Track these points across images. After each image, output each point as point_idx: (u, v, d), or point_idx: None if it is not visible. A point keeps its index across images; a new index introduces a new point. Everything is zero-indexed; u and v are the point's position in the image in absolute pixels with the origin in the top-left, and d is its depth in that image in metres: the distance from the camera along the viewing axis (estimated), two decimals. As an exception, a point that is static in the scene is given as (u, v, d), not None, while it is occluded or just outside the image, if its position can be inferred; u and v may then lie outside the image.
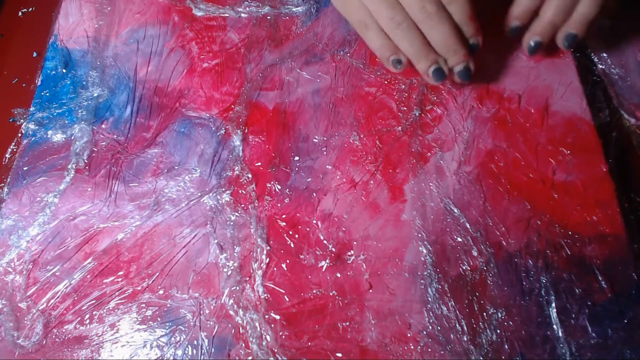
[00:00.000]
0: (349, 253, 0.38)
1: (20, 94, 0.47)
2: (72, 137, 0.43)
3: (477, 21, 0.40)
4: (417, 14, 0.39)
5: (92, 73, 0.46)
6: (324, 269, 0.37)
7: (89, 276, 0.38)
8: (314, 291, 0.37)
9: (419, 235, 0.38)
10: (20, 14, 0.52)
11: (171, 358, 0.35)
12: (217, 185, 0.41)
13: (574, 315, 0.35)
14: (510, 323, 0.35)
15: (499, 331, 0.35)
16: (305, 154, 0.42)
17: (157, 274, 0.38)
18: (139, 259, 0.38)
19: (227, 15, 0.49)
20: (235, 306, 0.36)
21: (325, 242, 0.38)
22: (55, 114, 0.44)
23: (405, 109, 0.43)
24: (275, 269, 0.37)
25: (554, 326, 0.35)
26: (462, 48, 0.40)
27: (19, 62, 0.49)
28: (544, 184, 0.40)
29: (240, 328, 0.36)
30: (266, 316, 0.36)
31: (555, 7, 0.40)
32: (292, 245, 0.38)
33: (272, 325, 0.36)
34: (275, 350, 0.35)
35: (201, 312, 0.36)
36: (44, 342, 0.36)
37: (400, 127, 0.43)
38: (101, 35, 0.48)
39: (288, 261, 0.38)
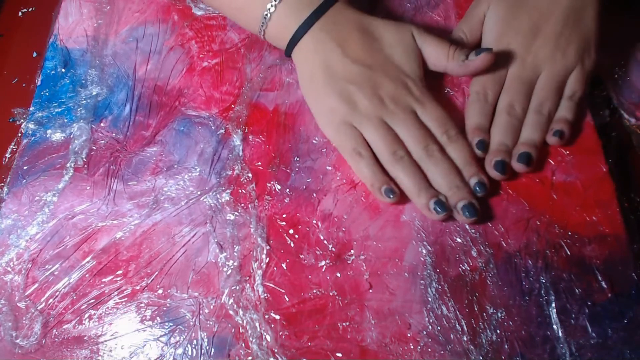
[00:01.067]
0: (349, 253, 0.38)
1: (20, 94, 0.46)
2: (71, 136, 0.43)
3: (478, 162, 0.39)
4: (419, 151, 0.39)
5: (91, 72, 0.46)
6: (324, 269, 0.37)
7: (87, 275, 0.38)
8: (314, 291, 0.36)
9: (419, 235, 0.38)
10: (20, 14, 0.52)
11: (171, 358, 0.35)
12: (217, 185, 0.41)
13: (573, 315, 0.35)
14: (510, 323, 0.35)
15: (498, 331, 0.35)
16: (306, 155, 0.42)
17: (157, 273, 0.38)
18: (138, 258, 0.38)
19: (227, 15, 0.49)
20: (235, 306, 0.36)
21: (325, 242, 0.38)
22: (54, 113, 0.44)
23: (405, 109, 0.43)
24: (275, 268, 0.37)
25: (554, 326, 0.35)
26: (466, 185, 0.38)
27: (19, 62, 0.49)
28: (544, 184, 0.40)
29: (240, 328, 0.35)
30: (266, 316, 0.36)
31: (501, 129, 0.40)
32: (292, 245, 0.38)
33: (272, 325, 0.35)
34: (275, 350, 0.35)
35: (201, 311, 0.36)
36: (43, 342, 0.36)
37: (400, 127, 0.42)
38: (100, 34, 0.48)
39: (288, 261, 0.38)
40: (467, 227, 0.38)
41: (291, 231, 0.39)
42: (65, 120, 0.44)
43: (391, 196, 0.38)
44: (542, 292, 0.36)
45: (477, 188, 0.38)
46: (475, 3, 0.45)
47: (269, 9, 0.41)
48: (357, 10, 0.43)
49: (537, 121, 0.40)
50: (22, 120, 0.44)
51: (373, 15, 0.43)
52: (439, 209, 0.37)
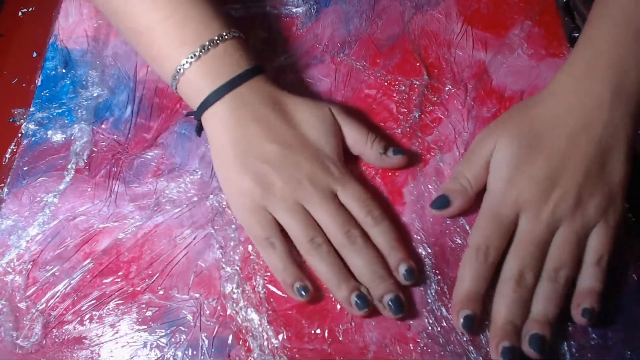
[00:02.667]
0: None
1: (20, 94, 0.46)
2: (72, 137, 0.43)
3: (405, 246, 0.36)
4: (340, 237, 0.35)
5: (91, 73, 0.46)
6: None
7: (88, 276, 0.38)
8: (315, 292, 0.36)
9: (418, 237, 0.38)
10: (20, 14, 0.52)
11: (171, 359, 0.35)
12: (218, 187, 0.41)
13: (573, 317, 0.35)
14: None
15: (498, 332, 0.35)
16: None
17: (158, 274, 0.38)
18: (139, 260, 0.38)
19: (227, 15, 0.49)
20: (236, 307, 0.36)
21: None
22: (55, 114, 0.44)
23: (405, 110, 0.43)
24: (275, 269, 0.37)
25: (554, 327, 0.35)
26: (391, 276, 0.35)
27: (19, 62, 0.49)
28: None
29: (241, 329, 0.36)
30: (267, 317, 0.36)
31: (508, 303, 0.34)
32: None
33: (273, 326, 0.35)
34: (276, 351, 0.35)
35: (201, 312, 0.36)
36: (44, 343, 0.36)
37: (399, 130, 0.42)
38: (101, 34, 0.48)
39: (288, 262, 0.38)
40: (468, 228, 0.38)
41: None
42: (66, 121, 0.44)
43: (303, 294, 0.35)
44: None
45: (406, 276, 0.35)
46: (480, 138, 0.39)
47: (184, 65, 0.38)
48: (276, 86, 0.40)
49: (552, 291, 0.34)
50: (22, 120, 0.44)
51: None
52: (360, 304, 0.34)
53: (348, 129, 0.40)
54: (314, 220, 0.36)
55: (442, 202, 0.38)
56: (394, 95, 0.44)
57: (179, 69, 0.38)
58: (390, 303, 0.34)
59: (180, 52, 0.38)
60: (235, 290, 0.37)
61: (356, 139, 0.40)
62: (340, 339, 0.35)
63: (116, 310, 0.37)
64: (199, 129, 0.41)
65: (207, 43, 0.38)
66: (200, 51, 0.38)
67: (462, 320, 0.34)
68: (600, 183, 0.35)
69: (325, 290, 0.36)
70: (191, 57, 0.38)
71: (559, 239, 0.35)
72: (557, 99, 0.38)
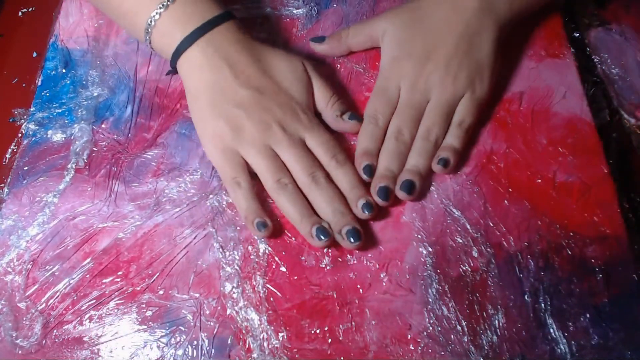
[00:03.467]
0: (350, 254, 0.38)
1: (20, 94, 0.46)
2: (72, 137, 0.43)
3: (365, 185, 0.39)
4: (305, 178, 0.38)
5: (92, 72, 0.46)
6: (324, 270, 0.37)
7: (88, 276, 0.38)
8: (315, 292, 0.36)
9: (419, 236, 0.38)
10: (20, 14, 0.52)
11: (171, 359, 0.35)
12: (218, 187, 0.41)
13: (574, 316, 0.35)
14: (511, 324, 0.35)
15: (499, 332, 0.35)
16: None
17: (158, 274, 0.38)
18: (139, 259, 0.38)
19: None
20: (236, 307, 0.36)
21: (325, 242, 0.38)
22: (55, 113, 0.44)
23: (406, 109, 0.43)
24: (276, 270, 0.37)
25: (555, 327, 0.35)
26: (350, 212, 0.38)
27: (19, 62, 0.49)
28: (545, 184, 0.40)
29: (241, 329, 0.35)
30: (267, 317, 0.36)
31: (387, 154, 0.40)
32: (293, 246, 0.38)
33: (273, 326, 0.35)
34: (276, 351, 0.35)
35: (201, 312, 0.36)
36: (43, 343, 0.36)
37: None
38: (101, 34, 0.48)
39: (289, 262, 0.38)
40: (469, 227, 0.38)
41: (292, 233, 0.39)
42: (66, 121, 0.44)
43: (262, 229, 0.37)
44: (543, 292, 0.36)
45: (364, 210, 0.37)
46: (376, 18, 0.45)
47: (154, 16, 0.39)
48: (249, 34, 0.42)
49: (423, 148, 0.40)
50: (22, 120, 0.44)
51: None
52: (321, 236, 0.36)
53: (316, 86, 0.42)
54: (282, 163, 0.39)
55: (319, 39, 0.45)
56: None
57: (150, 22, 0.40)
58: (347, 234, 0.37)
59: (149, 5, 0.40)
60: (235, 290, 0.37)
61: (320, 97, 0.42)
62: (340, 339, 0.35)
63: (116, 310, 0.37)
64: (171, 72, 0.43)
65: None
66: (168, 1, 0.39)
67: (362, 169, 0.39)
68: (468, 57, 0.41)
69: (326, 291, 0.36)
70: (160, 8, 0.39)
71: (431, 104, 0.41)
72: None
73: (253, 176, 0.39)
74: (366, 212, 0.38)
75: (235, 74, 0.39)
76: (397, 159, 0.39)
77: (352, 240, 0.36)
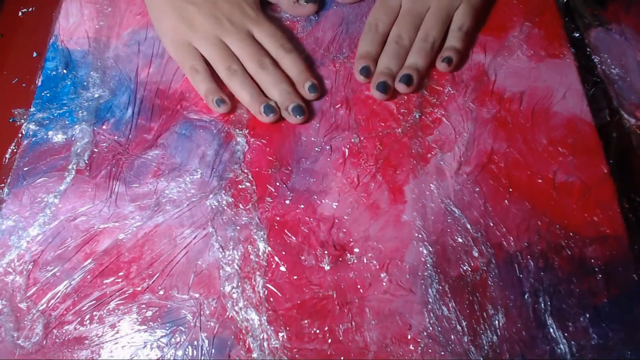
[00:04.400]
0: (350, 254, 0.38)
1: (20, 94, 0.46)
2: (73, 138, 0.43)
3: (310, 71, 0.44)
4: (253, 65, 0.42)
5: (93, 74, 0.46)
6: (324, 270, 0.37)
7: (89, 277, 0.38)
8: (315, 292, 0.36)
9: (420, 235, 0.38)
10: (20, 14, 0.52)
11: (171, 359, 0.35)
12: (218, 187, 0.41)
13: (574, 316, 0.35)
14: (511, 324, 0.35)
15: (499, 332, 0.35)
16: (306, 156, 0.42)
17: (158, 274, 0.38)
18: (140, 260, 0.38)
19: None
20: (236, 307, 0.36)
21: (325, 243, 0.38)
22: (55, 114, 0.44)
23: (405, 111, 0.43)
24: (275, 269, 0.37)
25: (555, 327, 0.35)
26: (296, 91, 0.42)
27: (19, 62, 0.49)
28: (545, 184, 0.40)
29: (241, 329, 0.35)
30: (267, 317, 0.36)
31: (387, 55, 0.43)
32: (293, 246, 0.38)
33: (273, 326, 0.35)
34: (276, 352, 0.35)
35: (201, 312, 0.36)
36: (44, 343, 0.36)
37: (400, 129, 0.43)
38: (102, 36, 0.48)
39: (289, 262, 0.38)
40: (469, 227, 0.38)
41: (292, 232, 0.39)
42: (67, 122, 0.44)
43: (221, 105, 0.42)
44: (543, 292, 0.36)
45: (310, 90, 0.42)
46: None
47: None
48: None
49: (421, 48, 0.43)
50: (22, 120, 0.44)
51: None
52: (269, 113, 0.41)
53: None
54: (232, 52, 0.43)
55: None
56: (394, 97, 0.44)
57: None
58: (293, 110, 0.41)
59: None
60: (235, 290, 0.37)
61: None
62: (340, 339, 0.35)
63: (116, 311, 0.37)
64: None
65: None
66: None
67: (359, 70, 0.43)
68: None
69: (326, 291, 0.36)
70: None
71: (430, 12, 0.45)
72: None
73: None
74: (312, 93, 0.42)
75: None
76: (396, 58, 0.43)
77: (297, 116, 0.41)
